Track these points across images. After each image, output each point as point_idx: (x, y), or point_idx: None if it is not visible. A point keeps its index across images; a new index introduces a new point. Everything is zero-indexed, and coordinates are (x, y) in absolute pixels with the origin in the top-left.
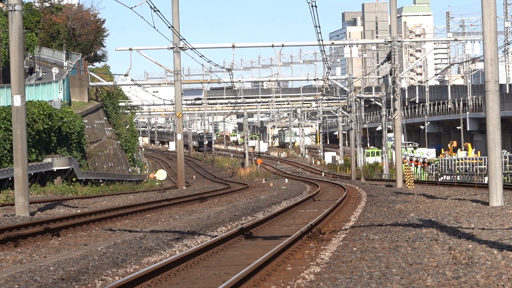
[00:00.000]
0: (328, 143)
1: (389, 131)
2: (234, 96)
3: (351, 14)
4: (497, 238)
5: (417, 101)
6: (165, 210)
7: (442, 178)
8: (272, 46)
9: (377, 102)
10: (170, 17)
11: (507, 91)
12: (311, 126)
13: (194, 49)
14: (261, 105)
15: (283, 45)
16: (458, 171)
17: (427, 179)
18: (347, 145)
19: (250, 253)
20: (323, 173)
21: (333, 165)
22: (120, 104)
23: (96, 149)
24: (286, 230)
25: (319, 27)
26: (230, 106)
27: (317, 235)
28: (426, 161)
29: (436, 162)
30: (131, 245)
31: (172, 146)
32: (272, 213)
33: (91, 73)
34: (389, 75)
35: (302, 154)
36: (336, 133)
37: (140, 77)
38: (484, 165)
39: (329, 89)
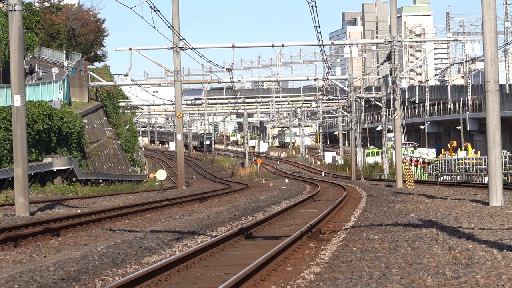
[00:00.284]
0: (328, 143)
1: (389, 131)
2: (234, 96)
3: (351, 14)
4: (497, 238)
5: (417, 101)
6: (165, 210)
7: (442, 178)
8: (272, 46)
9: (377, 102)
10: (170, 17)
11: (507, 91)
12: (311, 126)
13: (194, 49)
14: (261, 105)
15: (283, 45)
16: (458, 171)
17: (427, 179)
18: (347, 145)
19: (250, 253)
20: (323, 173)
21: (333, 165)
22: (120, 104)
23: (96, 149)
24: (286, 230)
25: (319, 27)
26: (230, 106)
27: (317, 235)
28: (426, 161)
29: (436, 162)
30: (131, 245)
31: (172, 146)
32: (272, 213)
33: (91, 73)
34: (389, 75)
35: (302, 154)
36: (336, 133)
37: (140, 77)
38: (484, 165)
39: (329, 89)
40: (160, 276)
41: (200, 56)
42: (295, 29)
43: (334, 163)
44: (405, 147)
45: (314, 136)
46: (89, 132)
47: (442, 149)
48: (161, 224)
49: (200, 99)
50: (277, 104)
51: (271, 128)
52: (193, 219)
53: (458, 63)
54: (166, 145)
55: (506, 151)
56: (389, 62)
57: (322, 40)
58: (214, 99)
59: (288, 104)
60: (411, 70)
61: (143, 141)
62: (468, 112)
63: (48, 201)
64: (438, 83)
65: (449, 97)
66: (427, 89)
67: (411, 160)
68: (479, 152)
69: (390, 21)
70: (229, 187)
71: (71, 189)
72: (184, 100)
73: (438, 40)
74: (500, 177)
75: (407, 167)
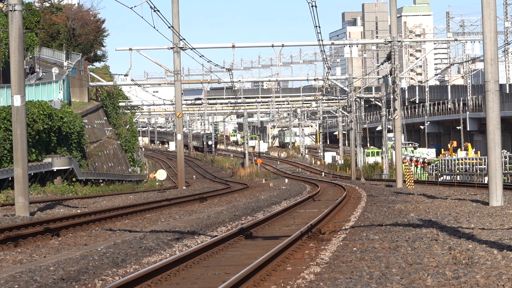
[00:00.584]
0: (328, 143)
1: (389, 131)
2: (234, 96)
3: (351, 14)
4: (497, 238)
5: (417, 101)
6: (165, 210)
7: (442, 178)
8: (272, 46)
9: (377, 102)
10: (170, 17)
11: (507, 91)
12: (311, 126)
13: (194, 49)
14: (261, 105)
15: (283, 45)
16: (458, 171)
17: (427, 179)
18: (347, 145)
19: (250, 253)
20: (323, 173)
21: (333, 165)
22: (120, 104)
23: (96, 149)
24: (286, 230)
25: (319, 27)
26: (230, 106)
27: (317, 235)
28: (426, 161)
29: (436, 162)
30: (131, 245)
31: (172, 146)
32: (272, 213)
33: (91, 73)
34: (389, 75)
35: (302, 154)
36: (336, 133)
37: (140, 77)
38: (484, 165)
39: (329, 89)
40: (160, 276)
41: (200, 56)
42: (295, 29)
43: (334, 163)
44: (405, 147)
45: (314, 136)
46: (89, 132)
47: (442, 149)
48: (161, 224)
49: (200, 99)
50: (277, 104)
51: (271, 128)
52: (193, 219)
53: (458, 63)
54: (166, 145)
55: (506, 151)
56: (389, 62)
57: (322, 40)
58: (214, 99)
59: (288, 104)
60: (411, 70)
61: (143, 141)
62: (468, 112)
63: (48, 201)
64: (438, 83)
65: (449, 97)
66: (427, 89)
67: (411, 160)
68: (479, 152)
69: (390, 21)
70: (229, 187)
71: (71, 189)
72: (184, 100)
73: (438, 40)
74: (500, 177)
75: (407, 167)
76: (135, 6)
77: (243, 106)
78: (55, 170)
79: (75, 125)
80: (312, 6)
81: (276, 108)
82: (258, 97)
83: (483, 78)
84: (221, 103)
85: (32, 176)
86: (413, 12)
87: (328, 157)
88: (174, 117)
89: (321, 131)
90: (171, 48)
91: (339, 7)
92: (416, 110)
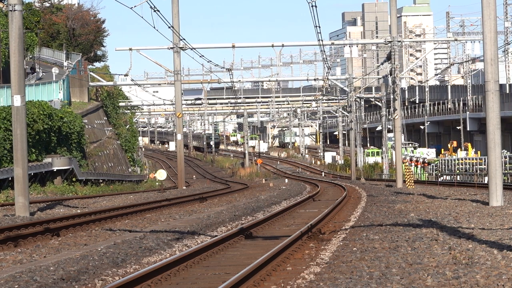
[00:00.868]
0: (328, 143)
1: (389, 131)
2: (234, 96)
3: (351, 14)
4: (497, 238)
5: (417, 101)
6: (165, 210)
7: (442, 178)
8: (272, 46)
9: (377, 102)
10: (170, 17)
11: (507, 91)
12: (311, 126)
13: (194, 49)
14: (261, 105)
15: (283, 45)
16: (458, 171)
17: (427, 179)
18: (347, 145)
19: (250, 253)
20: (323, 173)
21: (333, 165)
22: (120, 104)
23: (96, 149)
24: (286, 230)
25: (319, 27)
26: (230, 106)
27: (317, 235)
28: (426, 161)
29: (436, 162)
30: (131, 245)
31: (172, 146)
32: (272, 213)
33: (91, 73)
34: (389, 75)
35: (302, 154)
36: (336, 133)
37: (140, 77)
38: (484, 165)
39: (329, 89)
40: (160, 276)
41: (200, 56)
42: (295, 29)
43: (334, 163)
44: (405, 147)
45: (314, 136)
46: (89, 132)
47: (442, 149)
48: (161, 224)
49: (200, 99)
50: (277, 104)
51: (271, 128)
52: (193, 219)
53: (458, 63)
54: (166, 145)
55: (506, 151)
56: (389, 62)
57: (322, 40)
58: (214, 99)
59: (288, 104)
60: (411, 70)
61: (143, 141)
62: (468, 112)
63: (48, 201)
64: (438, 83)
65: (449, 97)
66: (427, 89)
67: (411, 160)
68: (479, 152)
69: (390, 21)
70: (229, 187)
71: (71, 189)
72: (184, 100)
73: (438, 40)
74: (500, 177)
75: (407, 167)
76: (135, 6)
77: (243, 106)
78: (55, 170)
79: (75, 125)
80: (312, 6)
81: (276, 108)
82: (258, 97)
83: (483, 78)
84: (221, 103)
85: (32, 176)
86: (413, 12)
87: (328, 157)
88: (174, 117)
89: (321, 131)
90: (171, 48)
91: (339, 7)
92: (416, 110)
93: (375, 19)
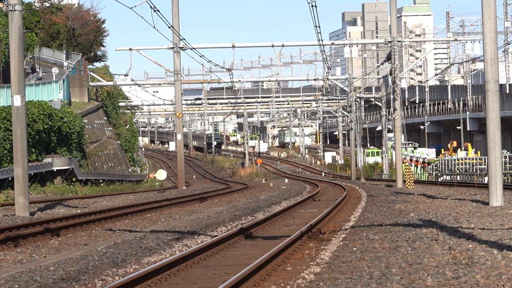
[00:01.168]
0: (328, 143)
1: (389, 131)
2: (234, 96)
3: (351, 14)
4: (497, 238)
5: (417, 101)
6: (165, 210)
7: (442, 178)
8: (272, 46)
9: (377, 102)
10: (170, 17)
11: (507, 91)
12: (311, 126)
13: (194, 49)
14: (261, 105)
15: (283, 45)
16: (458, 171)
17: (427, 179)
18: (347, 145)
19: (250, 253)
20: (323, 173)
21: (333, 165)
22: (120, 104)
23: (96, 149)
24: (286, 230)
25: (319, 27)
26: (230, 106)
27: (317, 235)
28: (426, 161)
29: (436, 162)
30: (131, 245)
31: (172, 146)
32: (272, 213)
33: (91, 73)
34: (389, 75)
35: (302, 154)
36: (336, 133)
37: (140, 77)
38: (484, 165)
39: (329, 89)
40: (160, 276)
41: (200, 56)
42: (295, 29)
43: (334, 163)
44: (405, 147)
45: (314, 136)
46: (89, 132)
47: (442, 149)
48: (161, 224)
49: (200, 99)
50: (277, 104)
51: (271, 128)
52: (193, 219)
53: (458, 63)
54: (166, 145)
55: (506, 151)
56: (389, 62)
57: (322, 40)
58: (214, 99)
59: (288, 104)
60: (411, 70)
61: (143, 141)
62: (468, 112)
63: (48, 201)
64: (438, 83)
65: (449, 97)
66: (427, 89)
67: (411, 160)
68: (479, 152)
69: (390, 21)
70: (229, 187)
71: (71, 189)
72: (184, 100)
73: (438, 40)
74: (500, 177)
75: (407, 167)
76: (135, 6)
77: (243, 106)
78: (55, 170)
79: (75, 125)
80: (312, 6)
81: (276, 108)
82: (258, 97)
83: (483, 78)
84: (221, 103)
85: (32, 176)
86: (413, 12)
87: (328, 157)
88: (174, 117)
89: (321, 131)
90: (171, 48)
91: (339, 7)
92: (416, 110)
93: (375, 19)
